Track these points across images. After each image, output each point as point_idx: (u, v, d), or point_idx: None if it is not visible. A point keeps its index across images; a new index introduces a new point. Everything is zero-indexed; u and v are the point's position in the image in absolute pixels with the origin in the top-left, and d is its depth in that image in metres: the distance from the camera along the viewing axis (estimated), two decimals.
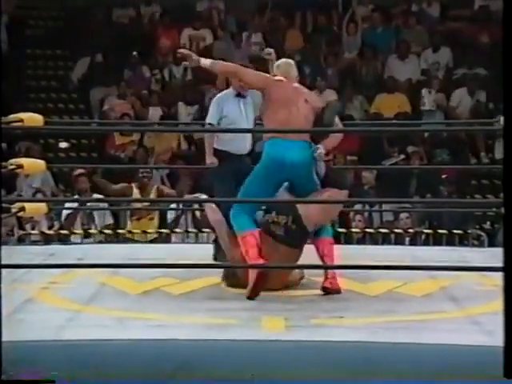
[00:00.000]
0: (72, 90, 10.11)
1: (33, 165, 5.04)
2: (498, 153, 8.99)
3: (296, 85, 4.35)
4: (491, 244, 7.35)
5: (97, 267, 4.25)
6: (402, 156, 9.01)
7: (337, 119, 4.30)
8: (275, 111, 4.19)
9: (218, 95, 4.80)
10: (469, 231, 7.43)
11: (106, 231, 7.28)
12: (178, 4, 10.52)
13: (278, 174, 4.12)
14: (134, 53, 9.63)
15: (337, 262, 4.17)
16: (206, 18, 10.44)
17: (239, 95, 4.67)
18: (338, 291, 4.07)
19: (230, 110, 4.64)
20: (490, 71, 9.80)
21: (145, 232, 7.33)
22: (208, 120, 4.72)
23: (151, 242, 7.18)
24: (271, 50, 4.82)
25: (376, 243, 7.15)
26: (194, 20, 10.34)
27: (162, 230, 7.47)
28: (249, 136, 4.71)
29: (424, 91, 9.52)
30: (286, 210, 4.12)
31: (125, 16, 10.49)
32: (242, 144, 4.64)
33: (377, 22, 10.31)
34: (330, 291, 4.05)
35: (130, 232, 7.26)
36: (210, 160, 4.61)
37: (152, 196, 7.50)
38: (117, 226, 7.46)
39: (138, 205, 7.31)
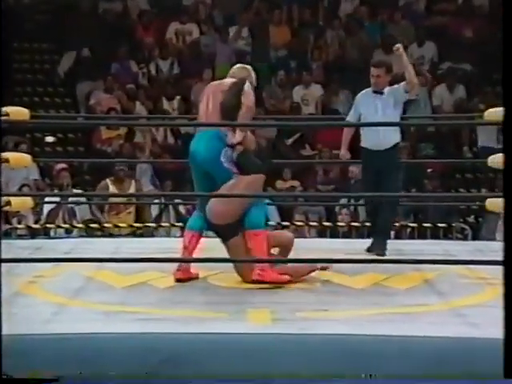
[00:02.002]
0: (58, 84, 10.08)
1: (19, 159, 5.05)
2: (482, 142, 9.10)
3: (222, 81, 4.42)
4: (475, 237, 7.42)
5: (84, 261, 4.29)
6: None
7: (246, 89, 4.24)
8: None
9: (359, 94, 5.11)
10: (453, 225, 7.50)
11: (91, 225, 7.30)
12: None
13: (193, 167, 4.22)
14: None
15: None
16: (193, 13, 10.45)
17: (376, 92, 4.93)
18: (269, 282, 4.05)
19: (365, 108, 4.93)
20: (474, 65, 9.88)
21: (132, 226, 7.36)
22: (347, 118, 5.08)
23: (131, 235, 7.21)
24: (399, 45, 5.02)
25: (362, 237, 7.19)
26: (180, 14, 10.35)
27: (148, 224, 7.50)
28: (385, 132, 4.86)
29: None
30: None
31: (112, 10, 10.48)
32: (376, 140, 4.86)
33: (363, 16, 10.37)
34: (259, 282, 4.07)
35: (116, 226, 7.28)
36: (343, 152, 5.04)
37: (131, 189, 7.54)
38: (96, 221, 7.47)
39: (116, 199, 7.37)
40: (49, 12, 10.41)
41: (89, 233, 7.20)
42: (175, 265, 4.25)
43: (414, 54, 10.00)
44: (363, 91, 5.14)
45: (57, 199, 7.35)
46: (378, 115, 4.91)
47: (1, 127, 3.78)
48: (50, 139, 9.42)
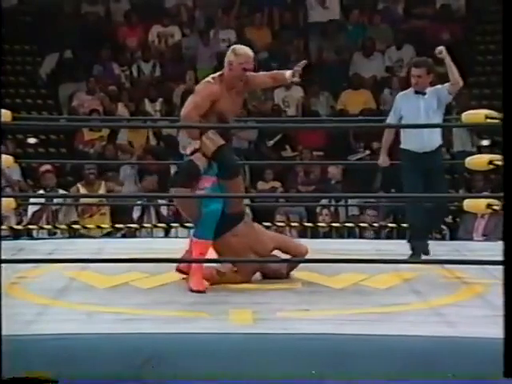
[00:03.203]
0: (41, 86, 10.10)
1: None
2: (457, 147, 9.22)
3: None
4: (453, 237, 7.49)
5: (66, 262, 4.29)
6: (368, 151, 9.16)
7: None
8: None
9: (399, 94, 4.92)
10: None
11: (74, 226, 7.35)
12: (147, 1, 10.57)
13: None
14: None
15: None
16: (175, 15, 10.51)
17: (418, 93, 4.76)
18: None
19: (407, 109, 4.75)
20: None
21: (115, 228, 7.41)
22: (387, 120, 4.88)
23: (111, 236, 7.27)
24: (442, 48, 4.94)
25: (342, 237, 7.22)
26: (162, 17, 10.41)
27: (130, 225, 7.55)
28: (430, 133, 4.71)
29: (386, 92, 9.71)
30: None
31: (94, 12, 10.52)
32: (420, 142, 4.73)
33: (343, 19, 10.49)
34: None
35: (98, 227, 7.33)
36: (383, 158, 4.89)
37: (101, 191, 7.62)
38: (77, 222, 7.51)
39: (89, 202, 7.41)
40: (31, 14, 10.42)
41: (71, 234, 7.23)
42: (157, 265, 4.27)
43: (393, 57, 10.14)
44: (403, 92, 4.96)
45: (40, 200, 7.36)
46: (420, 117, 4.75)
47: (1, 129, 3.80)
48: (32, 140, 9.44)
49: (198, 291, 3.95)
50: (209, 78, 4.14)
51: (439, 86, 4.90)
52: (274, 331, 3.30)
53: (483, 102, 9.21)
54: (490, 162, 5.02)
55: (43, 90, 10.08)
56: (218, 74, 4.16)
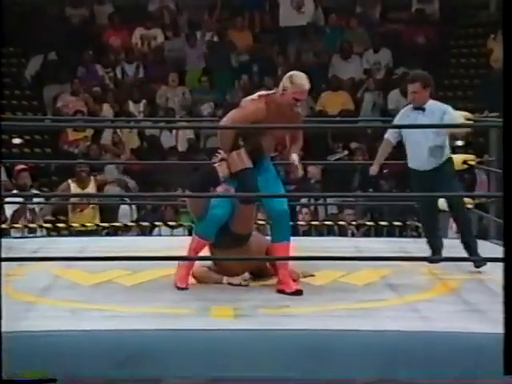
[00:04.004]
0: (25, 87, 10.16)
1: None
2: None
3: None
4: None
5: (51, 260, 4.28)
6: (346, 152, 9.34)
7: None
8: None
9: (400, 111, 4.67)
10: (408, 223, 7.77)
11: (58, 225, 7.45)
12: (130, 4, 10.66)
13: None
14: None
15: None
16: (158, 18, 10.65)
17: (417, 108, 4.51)
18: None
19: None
20: (426, 71, 10.23)
21: (99, 226, 7.55)
22: (386, 136, 4.68)
23: (97, 234, 7.39)
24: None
25: (321, 235, 7.35)
26: (145, 20, 10.54)
27: (115, 224, 7.69)
28: (431, 151, 4.46)
29: (361, 91, 9.92)
30: None
31: (78, 15, 10.61)
32: (421, 160, 4.49)
33: (322, 23, 10.71)
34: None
35: (83, 226, 7.46)
36: (374, 168, 4.65)
37: (91, 186, 7.72)
38: (59, 221, 7.59)
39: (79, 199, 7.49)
40: (15, 16, 10.49)
41: (50, 233, 7.32)
42: (141, 263, 4.29)
43: (370, 60, 10.35)
44: (404, 108, 4.71)
45: (19, 199, 7.40)
46: (420, 134, 4.50)
47: (1, 129, 3.86)
48: (17, 141, 9.53)
49: (181, 288, 3.96)
50: (255, 96, 4.01)
51: (445, 106, 4.60)
52: (255, 327, 3.35)
53: (457, 103, 9.45)
54: (464, 162, 5.14)
55: (28, 92, 10.14)
56: (265, 92, 4.06)
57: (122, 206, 8.05)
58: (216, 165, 4.04)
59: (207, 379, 3.16)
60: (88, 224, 7.49)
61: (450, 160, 4.62)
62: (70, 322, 3.42)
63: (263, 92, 4.07)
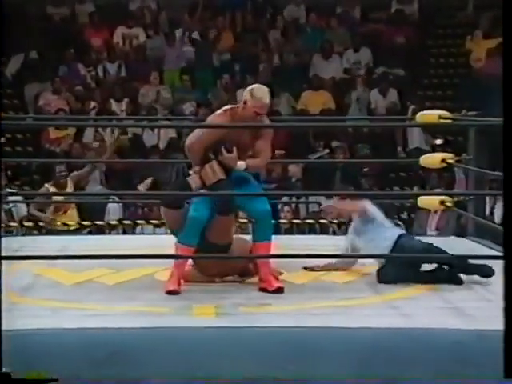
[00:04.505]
0: (6, 86, 10.09)
1: None
2: (411, 145, 9.56)
3: None
4: (408, 232, 7.71)
5: (33, 259, 4.26)
6: (327, 150, 9.41)
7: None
8: None
9: None
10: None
11: (39, 223, 7.47)
12: (111, 3, 10.68)
13: None
14: None
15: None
16: (139, 17, 10.67)
17: None
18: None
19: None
20: (405, 70, 10.36)
21: (80, 224, 7.58)
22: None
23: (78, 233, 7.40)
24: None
25: (303, 233, 7.43)
26: (127, 19, 10.56)
27: (98, 222, 7.72)
28: None
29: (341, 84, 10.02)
30: None
31: (59, 13, 10.61)
32: None
33: (304, 22, 10.78)
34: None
35: (65, 224, 7.48)
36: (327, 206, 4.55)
37: (69, 187, 7.72)
38: (36, 220, 7.57)
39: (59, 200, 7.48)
40: None
41: (27, 231, 7.32)
42: (123, 261, 4.28)
43: (351, 59, 10.44)
44: None
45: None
46: None
47: (1, 128, 3.80)
48: None
49: (173, 291, 3.93)
50: (220, 111, 4.05)
51: None
52: (236, 325, 3.35)
53: (436, 102, 9.56)
54: (443, 161, 5.18)
55: (9, 90, 10.10)
56: (230, 106, 4.08)
57: (110, 204, 8.08)
58: (188, 178, 4.11)
59: (188, 378, 3.17)
60: (71, 223, 7.53)
61: None
62: (50, 320, 3.42)
63: (228, 106, 4.13)
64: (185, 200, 4.13)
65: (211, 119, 4.09)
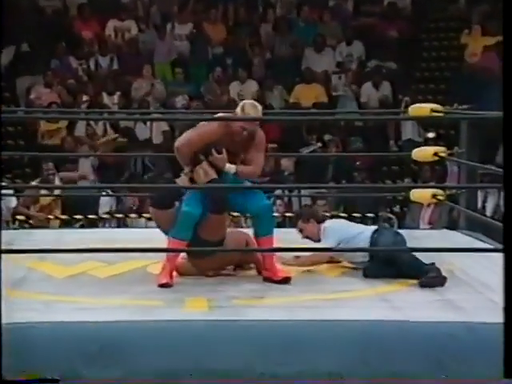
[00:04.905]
0: None
1: None
2: (404, 136, 9.58)
3: None
4: (400, 226, 7.69)
5: (25, 253, 4.18)
6: (319, 144, 9.42)
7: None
8: None
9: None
10: (380, 214, 7.88)
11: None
12: None
13: None
14: None
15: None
16: (131, 10, 10.64)
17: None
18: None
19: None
20: (398, 64, 10.37)
21: (72, 218, 7.58)
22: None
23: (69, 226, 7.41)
24: None
25: (295, 226, 7.50)
26: (119, 11, 10.52)
27: (89, 216, 7.72)
28: None
29: (334, 78, 10.02)
30: None
31: (51, 6, 10.57)
32: None
33: (296, 16, 10.77)
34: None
35: (57, 218, 7.47)
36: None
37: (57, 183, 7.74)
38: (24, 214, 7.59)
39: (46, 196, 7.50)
40: None
41: (19, 225, 7.32)
42: (115, 255, 4.26)
43: (343, 52, 10.45)
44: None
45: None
46: None
47: (1, 121, 3.79)
48: None
49: (165, 285, 3.93)
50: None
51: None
52: (229, 318, 3.35)
53: (428, 96, 9.58)
54: (435, 154, 5.18)
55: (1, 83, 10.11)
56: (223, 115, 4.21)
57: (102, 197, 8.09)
58: (177, 179, 4.16)
59: (181, 370, 3.17)
60: (61, 217, 7.53)
61: None
62: (43, 314, 3.41)
63: (221, 115, 4.22)
64: (174, 200, 4.16)
65: (201, 125, 4.15)
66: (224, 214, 4.14)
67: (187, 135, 4.13)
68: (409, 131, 9.51)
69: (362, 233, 4.30)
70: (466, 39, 10.11)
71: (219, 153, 4.05)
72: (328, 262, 4.40)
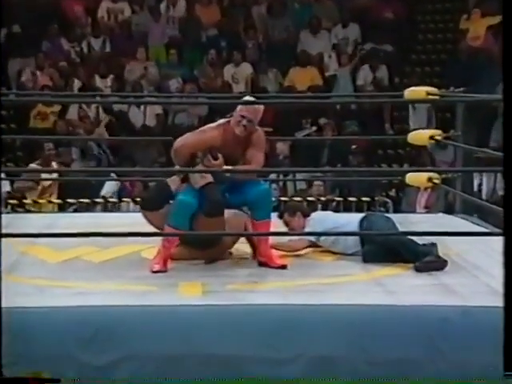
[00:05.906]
0: None
1: None
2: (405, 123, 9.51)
3: None
4: (396, 210, 7.68)
5: (18, 236, 4.16)
6: (315, 127, 9.38)
7: None
8: None
9: None
10: (376, 198, 7.85)
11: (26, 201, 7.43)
12: None
13: None
14: None
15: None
16: None
17: None
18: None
19: None
20: (394, 46, 10.29)
21: (66, 202, 7.54)
22: None
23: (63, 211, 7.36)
24: None
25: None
26: None
27: (83, 200, 7.66)
28: None
29: (329, 60, 9.95)
30: None
31: None
32: None
33: None
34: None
35: (50, 202, 7.43)
36: None
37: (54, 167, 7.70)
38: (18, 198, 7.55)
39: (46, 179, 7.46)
40: None
41: (12, 209, 7.28)
42: (109, 239, 4.23)
43: (339, 35, 10.37)
44: None
45: None
46: None
47: (1, 107, 3.73)
48: None
49: (158, 271, 3.94)
50: (215, 124, 4.16)
51: None
52: (223, 302, 3.36)
53: (425, 79, 9.51)
54: (431, 137, 5.16)
55: None
56: (225, 120, 4.16)
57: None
58: (168, 180, 4.15)
59: (174, 355, 3.16)
60: (55, 201, 7.48)
61: None
62: (36, 299, 3.40)
63: (223, 120, 4.19)
64: (164, 201, 4.16)
65: (204, 129, 4.17)
66: (218, 218, 4.10)
67: (187, 137, 4.14)
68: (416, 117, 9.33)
69: (349, 222, 4.29)
70: (465, 24, 9.99)
71: (215, 158, 4.05)
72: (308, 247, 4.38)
